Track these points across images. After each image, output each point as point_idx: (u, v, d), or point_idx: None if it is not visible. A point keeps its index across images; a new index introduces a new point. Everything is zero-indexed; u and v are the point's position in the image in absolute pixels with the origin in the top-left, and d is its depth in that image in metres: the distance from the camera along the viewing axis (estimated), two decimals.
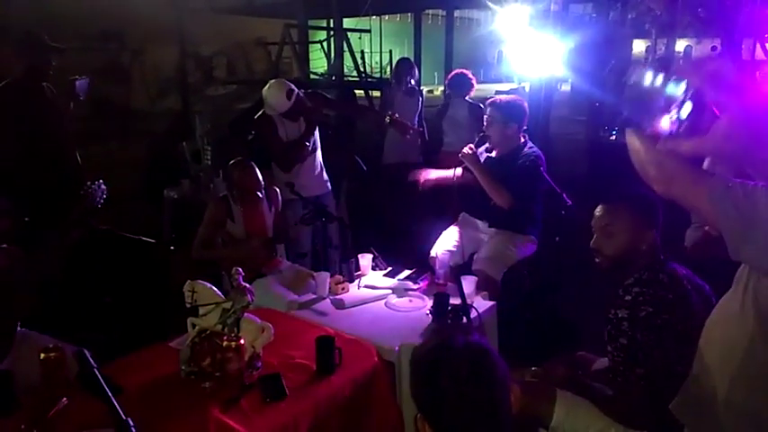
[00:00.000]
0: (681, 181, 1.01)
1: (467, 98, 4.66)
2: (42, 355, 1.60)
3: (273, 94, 3.40)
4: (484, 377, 1.09)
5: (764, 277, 1.10)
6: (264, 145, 3.62)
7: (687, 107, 0.83)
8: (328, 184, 3.81)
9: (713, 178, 0.98)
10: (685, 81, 0.84)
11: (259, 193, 2.97)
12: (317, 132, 3.67)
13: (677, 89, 0.84)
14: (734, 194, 0.94)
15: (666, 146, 0.92)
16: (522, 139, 3.18)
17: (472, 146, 3.11)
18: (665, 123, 0.86)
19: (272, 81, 3.51)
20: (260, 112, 3.54)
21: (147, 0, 9.17)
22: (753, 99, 0.83)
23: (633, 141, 1.14)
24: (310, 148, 3.62)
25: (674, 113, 0.85)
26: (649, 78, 0.88)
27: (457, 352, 1.12)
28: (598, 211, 1.88)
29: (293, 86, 3.44)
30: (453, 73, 4.80)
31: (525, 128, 3.21)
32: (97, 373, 1.06)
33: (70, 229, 1.99)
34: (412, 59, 5.67)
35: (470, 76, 4.65)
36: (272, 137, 3.49)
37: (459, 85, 4.62)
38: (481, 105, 4.56)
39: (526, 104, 3.24)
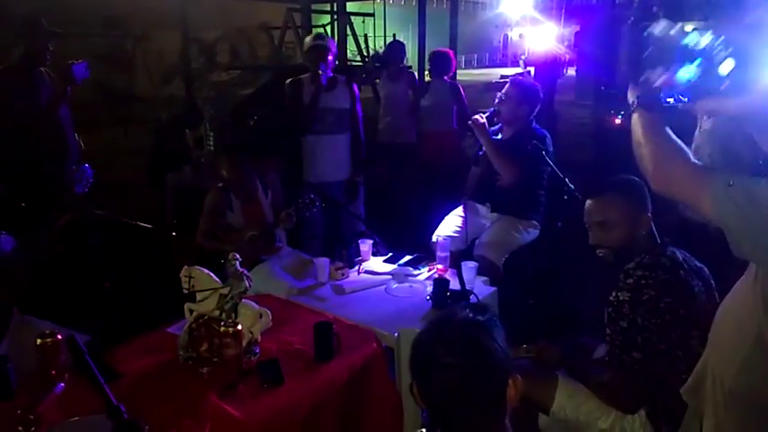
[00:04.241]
0: (680, 179, 0.98)
1: (445, 78, 4.58)
2: (38, 341, 1.60)
3: (309, 36, 3.79)
4: (478, 353, 1.08)
5: None
6: (290, 109, 3.68)
7: (728, 63, 0.77)
8: (347, 172, 3.71)
9: (714, 176, 0.95)
10: (712, 32, 0.79)
11: (251, 184, 2.98)
12: (352, 118, 3.66)
13: (700, 39, 0.79)
14: (735, 193, 0.91)
15: (708, 105, 0.88)
16: (533, 123, 3.18)
17: (482, 115, 3.10)
18: (683, 75, 0.81)
19: None
20: (293, 78, 3.67)
21: None
22: None
23: (637, 131, 1.10)
24: (333, 125, 3.59)
25: (695, 65, 0.79)
26: (665, 28, 0.83)
27: (457, 324, 1.11)
28: (588, 206, 1.85)
29: (327, 38, 3.71)
30: (434, 51, 4.71)
31: (534, 115, 3.19)
32: (88, 358, 1.05)
33: (59, 213, 1.98)
34: (416, 43, 5.62)
35: (452, 56, 4.59)
36: (296, 98, 3.57)
37: (439, 64, 4.54)
38: (460, 87, 4.56)
39: (541, 93, 3.24)
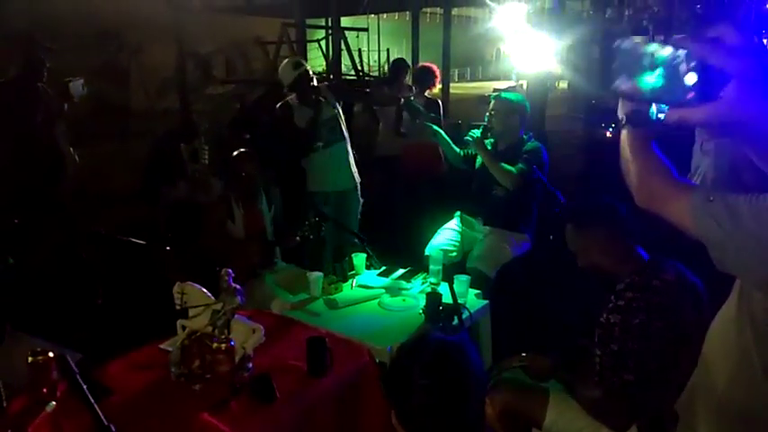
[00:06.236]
0: (663, 195, 1.00)
1: (426, 93, 4.63)
2: (30, 359, 1.60)
3: (283, 66, 3.61)
4: (453, 374, 1.10)
5: (754, 289, 1.09)
6: (282, 133, 3.69)
7: (691, 76, 0.81)
8: (356, 177, 3.76)
9: (694, 192, 0.97)
10: (673, 46, 0.82)
11: (256, 189, 2.99)
12: (342, 123, 3.67)
13: (662, 49, 0.82)
14: (715, 208, 0.92)
15: (674, 116, 0.90)
16: (525, 136, 3.23)
17: (473, 133, 3.16)
18: (647, 82, 0.85)
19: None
20: (281, 102, 3.64)
21: (145, 0, 9.16)
22: (760, 62, 0.80)
23: (624, 147, 1.13)
24: (328, 136, 3.59)
25: (657, 74, 0.83)
26: (632, 42, 0.86)
27: (431, 345, 1.14)
28: None
29: (303, 61, 3.60)
30: (419, 66, 4.76)
31: (525, 123, 3.24)
32: (78, 378, 1.05)
33: (53, 230, 1.99)
34: (410, 58, 5.65)
35: (435, 71, 4.62)
36: (287, 124, 3.55)
37: (422, 79, 4.58)
38: (439, 101, 4.61)
39: (528, 104, 3.33)
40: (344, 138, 3.69)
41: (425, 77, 4.57)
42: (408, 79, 4.84)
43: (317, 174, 3.66)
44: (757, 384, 1.14)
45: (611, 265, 1.82)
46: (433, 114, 4.18)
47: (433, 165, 4.53)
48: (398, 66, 4.90)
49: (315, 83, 3.54)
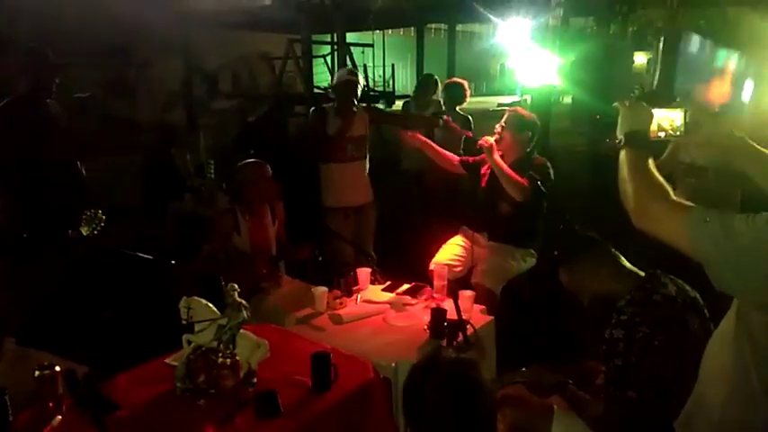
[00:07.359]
0: (660, 217, 1.02)
1: (458, 109, 4.65)
2: (37, 373, 1.61)
3: (341, 69, 3.97)
4: (465, 390, 1.15)
5: (752, 308, 1.10)
6: (310, 137, 3.80)
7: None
8: (370, 193, 3.86)
9: (690, 213, 0.98)
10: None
11: (264, 201, 3.02)
12: (367, 144, 3.77)
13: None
14: (711, 229, 0.94)
15: (686, 157, 0.94)
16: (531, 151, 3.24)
17: (489, 138, 3.15)
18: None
19: None
20: (317, 107, 3.78)
21: (153, 15, 9.27)
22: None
23: (623, 168, 1.15)
24: (354, 152, 3.68)
25: None
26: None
27: (444, 363, 1.20)
28: None
29: (357, 73, 3.80)
30: (449, 81, 4.78)
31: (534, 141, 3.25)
32: (85, 393, 1.06)
33: (62, 248, 2.00)
34: (414, 73, 5.71)
35: (466, 86, 4.64)
36: (320, 129, 3.64)
37: (454, 94, 4.62)
38: (469, 117, 4.63)
39: (538, 121, 3.34)
40: (365, 156, 3.78)
41: (457, 92, 4.59)
42: (439, 94, 4.87)
43: (335, 189, 3.71)
44: (756, 402, 1.14)
45: (608, 289, 1.82)
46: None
47: (455, 180, 4.55)
48: (425, 81, 4.96)
49: (357, 97, 3.63)
